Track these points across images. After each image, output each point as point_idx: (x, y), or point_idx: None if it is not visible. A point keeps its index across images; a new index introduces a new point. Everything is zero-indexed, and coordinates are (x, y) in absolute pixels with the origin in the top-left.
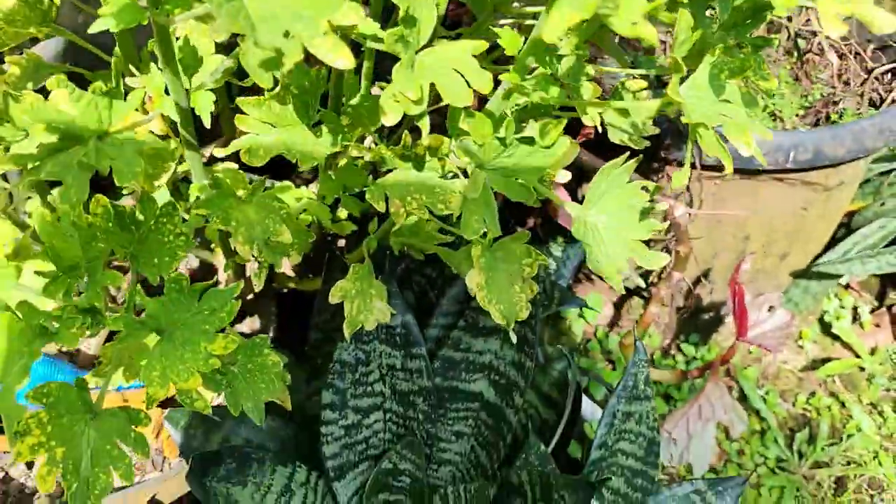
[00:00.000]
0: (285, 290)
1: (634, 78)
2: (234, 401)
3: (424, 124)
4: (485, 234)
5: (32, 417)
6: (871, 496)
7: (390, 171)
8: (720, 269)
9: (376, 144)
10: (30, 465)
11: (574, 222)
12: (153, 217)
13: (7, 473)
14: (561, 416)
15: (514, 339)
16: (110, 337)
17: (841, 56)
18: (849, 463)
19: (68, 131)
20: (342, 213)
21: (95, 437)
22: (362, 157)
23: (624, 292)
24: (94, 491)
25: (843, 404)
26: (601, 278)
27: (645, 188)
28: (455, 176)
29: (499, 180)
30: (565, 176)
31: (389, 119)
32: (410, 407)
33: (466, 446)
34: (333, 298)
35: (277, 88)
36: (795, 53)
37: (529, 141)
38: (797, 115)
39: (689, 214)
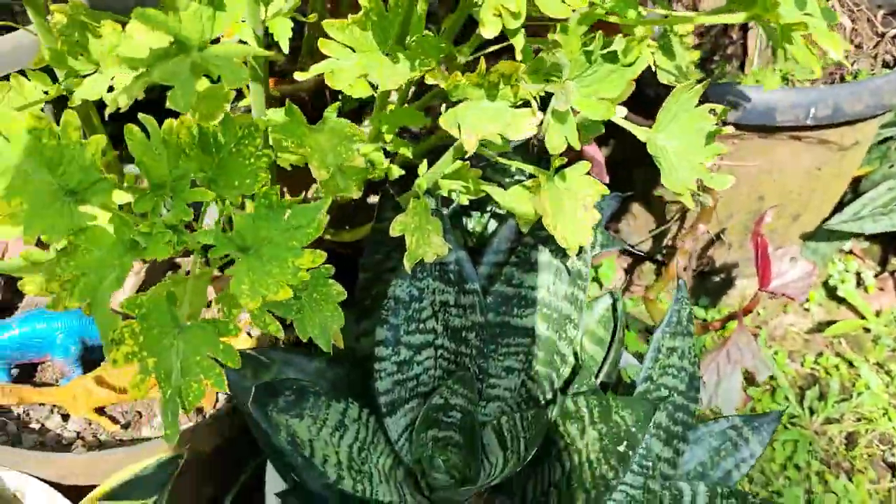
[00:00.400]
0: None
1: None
2: (302, 327)
3: (519, 41)
4: (547, 165)
5: (126, 327)
6: (882, 451)
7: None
8: (734, 230)
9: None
10: (65, 417)
11: (648, 144)
12: (234, 139)
13: (43, 425)
14: (607, 351)
15: (575, 264)
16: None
17: (853, 21)
18: (859, 419)
19: (175, 39)
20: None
21: (184, 348)
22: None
23: (692, 208)
24: (188, 398)
25: (850, 364)
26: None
27: (713, 111)
28: (524, 105)
29: (579, 99)
30: (622, 111)
31: (488, 31)
32: (462, 343)
33: (517, 381)
34: (394, 232)
35: (360, 13)
36: None
37: (613, 57)
38: (810, 81)
39: (717, 165)
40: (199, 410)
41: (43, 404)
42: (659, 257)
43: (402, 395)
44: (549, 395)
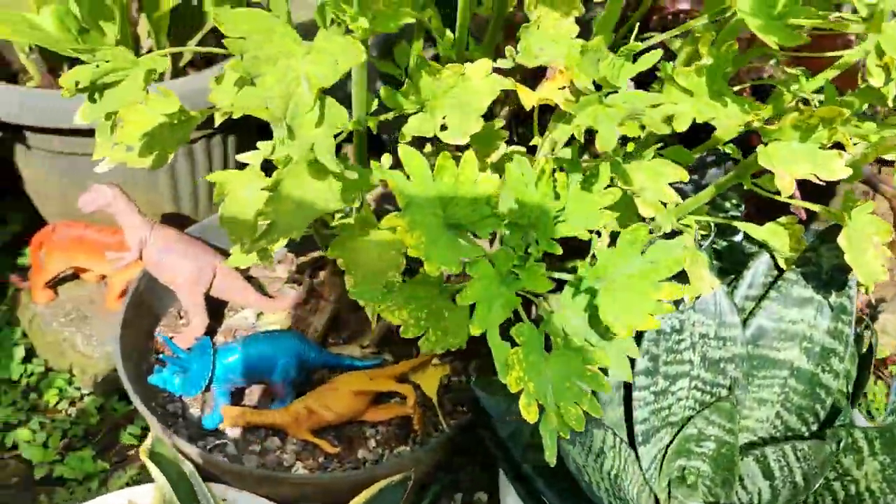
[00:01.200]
0: None
1: None
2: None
3: (890, 90)
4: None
5: (514, 354)
6: None
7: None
8: None
9: None
10: (283, 440)
11: None
12: (579, 180)
13: (263, 447)
14: (859, 385)
15: (838, 299)
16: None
17: None
18: None
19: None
20: None
21: (551, 375)
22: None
23: None
24: (570, 421)
25: None
26: None
27: None
28: (834, 147)
29: None
30: None
31: (875, 81)
32: (719, 374)
33: (770, 413)
34: None
35: (702, 62)
36: None
37: None
38: None
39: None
40: (412, 434)
41: (259, 426)
42: None
43: (655, 425)
44: (815, 427)
